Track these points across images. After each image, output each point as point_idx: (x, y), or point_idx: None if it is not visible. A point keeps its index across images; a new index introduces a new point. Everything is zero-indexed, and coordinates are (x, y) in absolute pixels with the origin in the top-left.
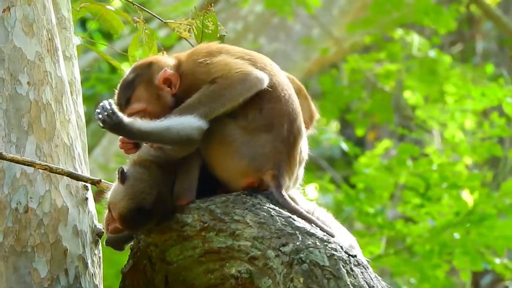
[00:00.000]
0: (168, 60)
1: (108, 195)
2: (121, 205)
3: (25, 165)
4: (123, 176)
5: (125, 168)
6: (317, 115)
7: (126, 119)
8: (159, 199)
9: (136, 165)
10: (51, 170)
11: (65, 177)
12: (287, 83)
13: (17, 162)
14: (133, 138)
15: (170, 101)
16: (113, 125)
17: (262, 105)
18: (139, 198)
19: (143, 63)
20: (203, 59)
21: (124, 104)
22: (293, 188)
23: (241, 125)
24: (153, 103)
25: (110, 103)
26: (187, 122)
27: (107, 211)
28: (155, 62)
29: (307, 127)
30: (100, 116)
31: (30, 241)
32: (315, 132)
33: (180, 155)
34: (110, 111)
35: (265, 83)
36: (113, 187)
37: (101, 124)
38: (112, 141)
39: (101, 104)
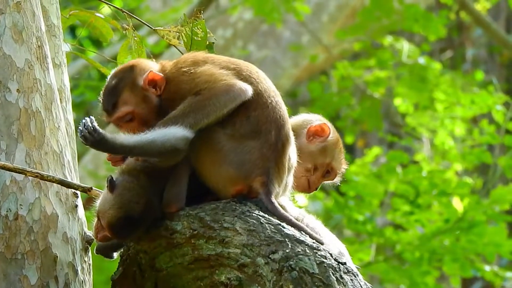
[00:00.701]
0: (150, 64)
1: (97, 203)
2: (109, 214)
3: (16, 172)
4: (111, 185)
5: (114, 176)
6: (346, 166)
7: (108, 135)
8: (147, 208)
9: (124, 174)
10: (42, 177)
11: (55, 184)
12: (273, 90)
13: (8, 169)
14: (116, 153)
15: (156, 102)
16: (95, 142)
17: (249, 112)
18: (127, 207)
19: (125, 67)
20: (188, 68)
21: (111, 109)
22: (283, 196)
23: (229, 132)
24: (140, 105)
25: (92, 120)
26: (171, 133)
27: (96, 219)
28: (137, 65)
29: (334, 176)
30: (82, 133)
31: (20, 248)
32: (337, 181)
33: (167, 165)
34: (91, 128)
35: (249, 94)
36: (102, 196)
37: (83, 141)
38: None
39: (83, 121)
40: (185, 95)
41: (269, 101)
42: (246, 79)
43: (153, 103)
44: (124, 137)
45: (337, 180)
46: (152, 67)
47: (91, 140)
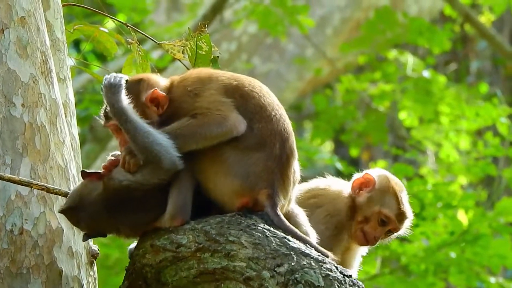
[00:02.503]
0: (159, 80)
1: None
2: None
3: (22, 185)
4: (82, 176)
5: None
6: (410, 216)
7: (125, 101)
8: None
9: (103, 187)
10: (48, 190)
11: (59, 198)
12: (277, 103)
13: (14, 182)
14: (116, 116)
15: (155, 119)
16: (112, 96)
17: (252, 124)
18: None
19: (134, 79)
20: (193, 88)
21: (106, 117)
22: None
23: (233, 144)
24: None
25: (122, 78)
26: (168, 145)
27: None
28: (145, 80)
29: (395, 227)
30: (106, 84)
31: (25, 263)
32: (406, 233)
33: (150, 182)
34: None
35: (241, 129)
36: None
37: (103, 91)
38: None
39: (114, 75)
40: (183, 114)
41: (273, 114)
42: (248, 94)
43: (151, 120)
44: (133, 112)
45: (403, 231)
46: (160, 85)
47: (110, 91)
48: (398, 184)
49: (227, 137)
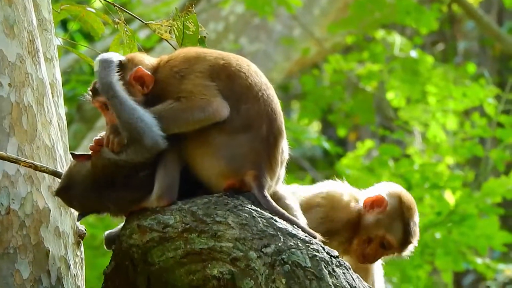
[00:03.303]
0: (147, 60)
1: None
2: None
3: (10, 161)
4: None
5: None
6: (415, 242)
7: (115, 77)
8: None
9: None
10: (35, 167)
11: (47, 178)
12: (265, 83)
13: (2, 158)
14: (103, 90)
15: (139, 100)
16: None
17: (239, 105)
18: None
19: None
20: (179, 69)
21: (94, 93)
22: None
23: (219, 126)
24: None
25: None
26: (152, 124)
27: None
28: (131, 59)
29: (398, 250)
30: (100, 57)
31: (12, 243)
32: (407, 255)
33: (135, 160)
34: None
35: (224, 114)
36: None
37: (96, 65)
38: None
39: (111, 54)
40: (168, 96)
41: (260, 94)
42: (235, 74)
43: (135, 99)
44: (125, 94)
45: (404, 255)
46: (146, 64)
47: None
48: (410, 208)
49: (209, 123)
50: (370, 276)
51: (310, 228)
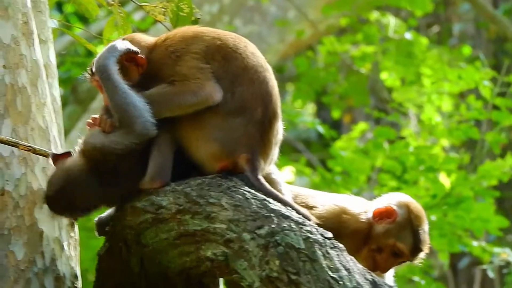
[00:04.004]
0: (143, 40)
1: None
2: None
3: (9, 145)
4: (53, 160)
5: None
6: (426, 249)
7: (112, 61)
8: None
9: (81, 157)
10: (34, 151)
11: (41, 160)
12: (262, 65)
13: (1, 141)
14: (98, 72)
15: (135, 79)
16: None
17: (234, 88)
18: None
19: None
20: (174, 49)
21: (91, 72)
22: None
23: (213, 109)
24: None
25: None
26: (144, 109)
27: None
28: (129, 39)
29: (409, 258)
30: (111, 43)
31: (6, 224)
32: (417, 263)
33: (123, 144)
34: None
35: (217, 98)
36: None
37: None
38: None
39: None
40: (164, 77)
41: (256, 76)
42: (231, 56)
43: (132, 78)
44: (119, 78)
45: (416, 261)
46: (141, 44)
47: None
48: (419, 217)
49: (201, 107)
50: None
51: None
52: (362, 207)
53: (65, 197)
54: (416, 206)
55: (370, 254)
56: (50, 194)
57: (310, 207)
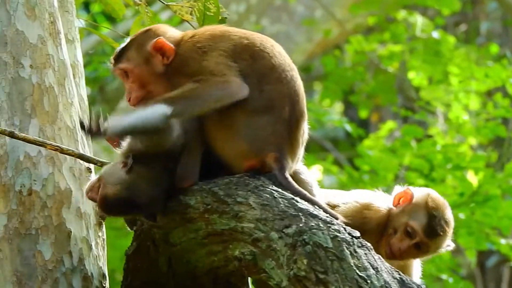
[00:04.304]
0: (170, 31)
1: (106, 168)
2: (113, 188)
3: (36, 145)
4: (129, 166)
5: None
6: (444, 233)
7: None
8: (150, 203)
9: (141, 159)
10: (62, 151)
11: (68, 159)
12: (289, 64)
13: (29, 141)
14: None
15: (160, 70)
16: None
17: (262, 86)
18: (133, 194)
19: (144, 29)
20: (202, 45)
21: (115, 60)
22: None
23: (241, 107)
24: (141, 67)
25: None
26: (151, 111)
27: (97, 179)
28: (154, 29)
29: (422, 241)
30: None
31: (34, 224)
32: (437, 251)
33: (156, 150)
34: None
35: (243, 94)
36: (114, 165)
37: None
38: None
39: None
40: (189, 73)
41: (283, 75)
42: (258, 55)
43: (155, 69)
44: (113, 120)
45: (438, 248)
46: (168, 35)
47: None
48: (438, 203)
49: (229, 101)
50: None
51: None
52: (384, 201)
53: (128, 208)
54: (437, 195)
55: (387, 240)
56: (114, 205)
57: (333, 207)
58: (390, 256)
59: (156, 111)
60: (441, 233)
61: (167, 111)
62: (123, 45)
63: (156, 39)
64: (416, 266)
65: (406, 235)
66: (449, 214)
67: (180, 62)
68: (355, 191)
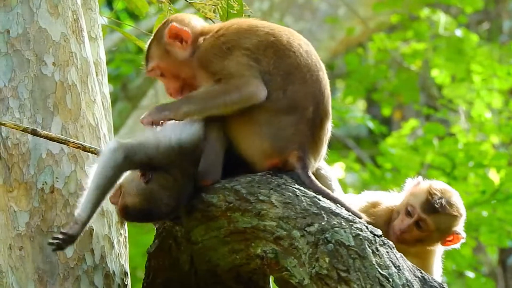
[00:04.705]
0: (192, 20)
1: (127, 176)
2: (133, 200)
3: (58, 142)
4: (147, 176)
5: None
6: (446, 211)
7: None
8: (171, 211)
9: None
10: (84, 148)
11: (90, 157)
12: (316, 63)
13: (51, 139)
14: None
15: (183, 56)
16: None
17: (286, 86)
18: (154, 204)
19: (163, 22)
20: (226, 39)
21: (145, 63)
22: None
23: (265, 106)
24: (164, 60)
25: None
26: (102, 161)
27: (118, 187)
28: (169, 20)
29: (420, 219)
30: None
31: (56, 221)
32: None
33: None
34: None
35: (262, 97)
36: (134, 173)
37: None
38: (138, 122)
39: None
40: (211, 71)
41: (309, 75)
42: (283, 53)
43: (179, 56)
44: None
45: (437, 228)
46: (189, 24)
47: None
48: (441, 186)
49: (246, 104)
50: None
51: None
52: (394, 200)
53: (147, 218)
54: (447, 186)
55: (391, 226)
56: (130, 207)
57: None
58: (395, 240)
59: (106, 157)
60: (440, 210)
61: (115, 145)
62: (146, 46)
63: (169, 26)
64: (437, 265)
65: (406, 215)
66: (453, 198)
67: (204, 56)
68: (367, 192)
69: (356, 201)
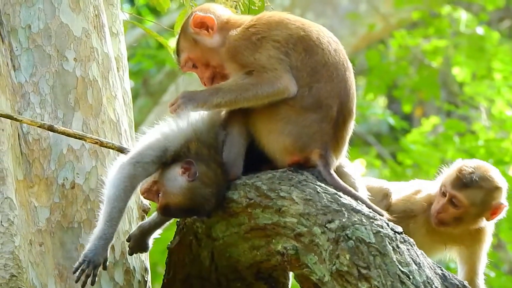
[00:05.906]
0: (218, 10)
1: (165, 173)
2: (176, 199)
3: (76, 138)
4: (192, 171)
5: (194, 162)
6: (478, 188)
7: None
8: (212, 207)
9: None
10: (101, 144)
11: (111, 153)
12: (343, 62)
13: (68, 135)
14: None
15: (211, 44)
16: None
17: (312, 84)
18: (197, 203)
19: (188, 15)
20: (257, 30)
21: (177, 58)
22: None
23: (289, 103)
24: (193, 50)
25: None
26: (111, 183)
27: (153, 181)
28: (196, 10)
29: (453, 195)
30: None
31: (76, 217)
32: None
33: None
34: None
35: (292, 91)
36: (174, 170)
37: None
38: (160, 117)
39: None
40: (242, 63)
41: (335, 73)
42: (312, 49)
43: (207, 44)
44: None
45: (470, 203)
46: (219, 14)
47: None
48: (473, 162)
49: (277, 98)
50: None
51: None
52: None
53: (184, 210)
54: (481, 162)
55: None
56: (172, 205)
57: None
58: (436, 222)
59: (114, 177)
60: (470, 185)
61: (119, 163)
62: (175, 43)
63: (193, 15)
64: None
65: (442, 196)
66: (487, 173)
67: (234, 48)
68: (416, 181)
69: (406, 188)
